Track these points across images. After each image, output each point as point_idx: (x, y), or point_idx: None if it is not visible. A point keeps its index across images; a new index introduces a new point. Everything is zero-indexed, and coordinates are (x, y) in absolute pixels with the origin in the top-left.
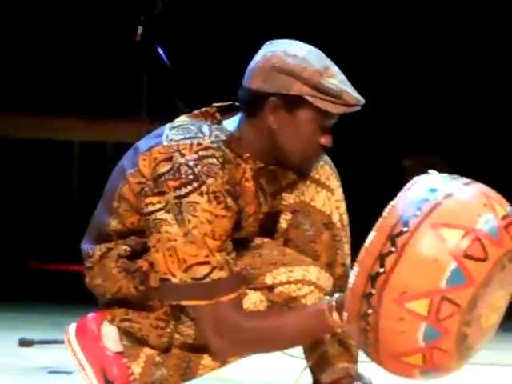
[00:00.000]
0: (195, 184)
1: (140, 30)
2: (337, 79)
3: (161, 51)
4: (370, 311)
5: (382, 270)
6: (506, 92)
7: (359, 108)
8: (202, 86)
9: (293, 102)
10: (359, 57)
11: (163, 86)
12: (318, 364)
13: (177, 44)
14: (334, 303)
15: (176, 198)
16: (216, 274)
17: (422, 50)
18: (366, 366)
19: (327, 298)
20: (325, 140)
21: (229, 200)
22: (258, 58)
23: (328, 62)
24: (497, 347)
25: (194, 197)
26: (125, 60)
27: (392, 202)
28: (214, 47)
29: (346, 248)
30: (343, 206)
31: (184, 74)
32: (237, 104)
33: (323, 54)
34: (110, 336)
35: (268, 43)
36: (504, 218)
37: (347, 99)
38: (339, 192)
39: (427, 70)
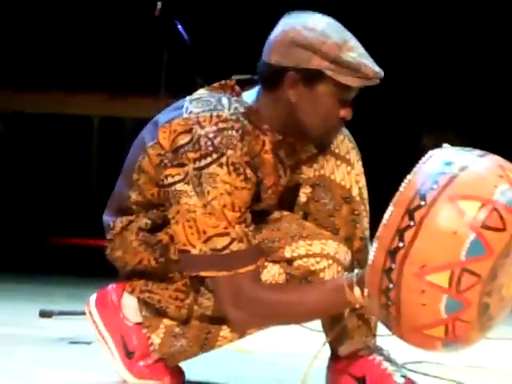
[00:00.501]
0: (215, 155)
1: (159, 5)
2: (356, 52)
3: (180, 27)
4: (391, 286)
5: (401, 244)
6: None
7: (378, 81)
8: (221, 62)
9: (312, 76)
10: (382, 33)
11: (182, 61)
12: (336, 337)
13: (196, 19)
14: (354, 279)
15: (195, 169)
16: (235, 246)
17: (446, 29)
18: (384, 339)
19: (347, 273)
20: (344, 113)
21: (248, 172)
22: (277, 31)
23: (347, 34)
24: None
25: (214, 168)
26: (144, 36)
27: (408, 177)
28: (233, 22)
29: (365, 222)
30: (363, 181)
31: (203, 50)
32: (256, 77)
33: (342, 27)
34: (130, 307)
35: (286, 16)
36: None
37: (366, 72)
38: (359, 166)
39: (450, 49)
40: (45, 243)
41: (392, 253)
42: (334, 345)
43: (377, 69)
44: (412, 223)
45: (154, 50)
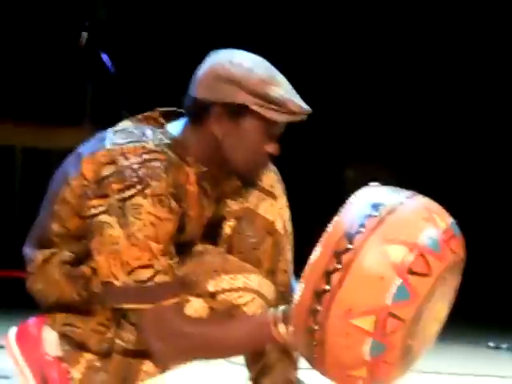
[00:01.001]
0: (139, 186)
1: (84, 35)
2: (282, 88)
3: (105, 58)
4: (316, 327)
5: (327, 287)
6: (447, 101)
7: (305, 116)
8: (146, 94)
9: (237, 111)
10: (304, 66)
11: (108, 92)
12: (259, 370)
13: (122, 51)
14: (279, 315)
15: (120, 200)
16: (159, 278)
17: (365, 58)
18: (305, 372)
19: (272, 309)
20: (271, 148)
21: (172, 203)
22: (204, 67)
23: (273, 71)
24: (439, 356)
25: (138, 199)
26: (69, 66)
27: (336, 218)
28: (160, 54)
29: (289, 255)
30: (287, 214)
31: (129, 81)
32: (180, 110)
33: (269, 64)
34: (51, 340)
35: (213, 52)
36: (445, 231)
37: (292, 107)
38: (283, 199)
39: (370, 79)
40: None
41: (318, 294)
42: (256, 378)
43: (303, 105)
44: (339, 266)
45: (79, 81)
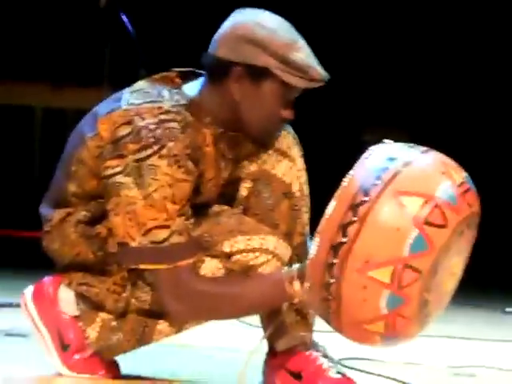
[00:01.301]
0: (156, 147)
1: None
2: (304, 53)
3: (125, 19)
4: (332, 280)
5: (344, 239)
6: (464, 68)
7: (323, 83)
8: (166, 55)
9: (258, 73)
10: (322, 30)
11: (127, 54)
12: (274, 332)
13: (142, 12)
14: (294, 273)
15: (136, 161)
16: (175, 239)
17: (382, 25)
18: (321, 335)
19: (286, 267)
20: (286, 113)
21: (189, 164)
22: (227, 26)
23: (296, 35)
24: (451, 319)
25: (155, 160)
26: (88, 27)
27: (351, 172)
28: (179, 15)
29: (306, 218)
30: (304, 176)
31: (148, 43)
32: (197, 71)
33: (292, 27)
34: (67, 300)
35: (237, 11)
36: (461, 184)
37: (313, 74)
38: (300, 162)
39: (387, 43)
40: None
41: (335, 248)
42: (271, 340)
43: (323, 72)
44: (355, 218)
45: (98, 42)
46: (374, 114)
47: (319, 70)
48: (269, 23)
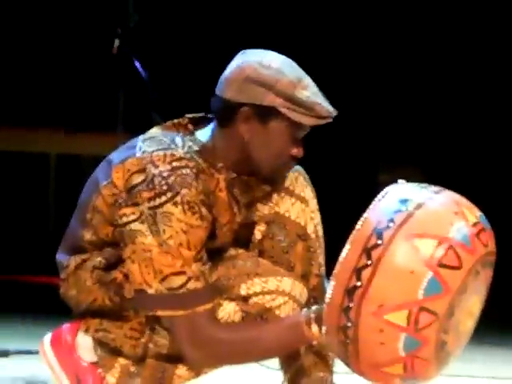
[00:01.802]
0: (169, 194)
1: (117, 42)
2: (310, 91)
3: (137, 64)
4: (349, 324)
5: (358, 283)
6: (480, 105)
7: (331, 120)
8: (179, 99)
9: (265, 113)
10: (336, 69)
11: (140, 99)
12: (294, 374)
13: (154, 57)
14: (311, 315)
15: (150, 208)
16: (192, 285)
17: (397, 62)
18: (341, 376)
19: (304, 310)
20: (296, 151)
21: (203, 210)
22: (232, 67)
23: (301, 73)
24: (470, 358)
25: (169, 207)
26: (101, 73)
27: (365, 214)
28: (191, 59)
29: (321, 259)
30: (318, 217)
31: (161, 87)
32: (209, 115)
33: (297, 65)
34: (85, 346)
35: (242, 52)
36: (475, 224)
37: (320, 111)
38: (314, 203)
39: (403, 84)
40: (1, 281)
41: (350, 291)
42: (291, 383)
43: (330, 108)
44: (369, 262)
45: (112, 87)
46: (388, 153)
47: (326, 107)
48: (274, 63)
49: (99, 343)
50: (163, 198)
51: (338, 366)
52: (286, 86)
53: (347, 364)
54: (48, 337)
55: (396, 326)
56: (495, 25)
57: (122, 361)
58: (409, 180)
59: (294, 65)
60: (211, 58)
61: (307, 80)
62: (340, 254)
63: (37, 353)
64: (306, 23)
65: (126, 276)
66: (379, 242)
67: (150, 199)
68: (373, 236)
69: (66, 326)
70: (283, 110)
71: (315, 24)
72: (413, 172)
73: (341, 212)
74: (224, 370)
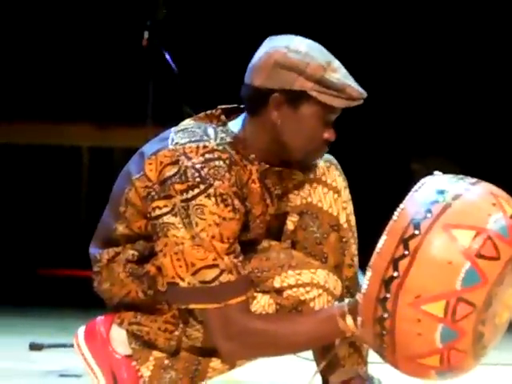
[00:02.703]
0: (202, 187)
1: (146, 35)
2: (339, 73)
3: (167, 56)
4: (385, 315)
5: (395, 274)
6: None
7: (362, 102)
8: (208, 91)
9: (296, 98)
10: (370, 61)
11: (170, 91)
12: (327, 365)
13: (183, 48)
14: (346, 308)
15: (183, 201)
16: (224, 277)
17: (432, 53)
18: (375, 366)
19: (337, 302)
20: (328, 134)
21: (236, 202)
22: (260, 54)
23: (330, 56)
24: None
25: (201, 199)
26: (131, 66)
27: (401, 205)
28: (221, 51)
29: (354, 249)
30: (350, 207)
31: (191, 79)
32: (242, 106)
33: (324, 49)
34: (119, 339)
35: (269, 39)
36: None
37: (350, 93)
38: (346, 193)
39: (437, 74)
40: (36, 275)
41: (387, 282)
42: (325, 374)
43: (360, 90)
44: (406, 252)
45: (142, 80)
46: (423, 143)
47: (356, 88)
48: (301, 47)
49: (133, 336)
50: (196, 191)
51: (373, 356)
52: (316, 70)
53: (382, 356)
54: (82, 330)
55: (433, 317)
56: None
57: (156, 354)
58: (441, 170)
59: (322, 48)
60: (240, 49)
61: (336, 63)
62: (373, 245)
63: (71, 346)
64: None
65: (159, 269)
66: (416, 232)
67: (182, 192)
68: (410, 226)
69: (99, 319)
70: (314, 94)
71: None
72: (444, 162)
73: (373, 202)
74: (258, 362)
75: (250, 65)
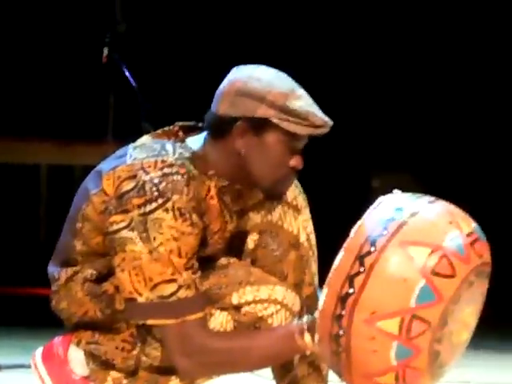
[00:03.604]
0: (160, 201)
1: (106, 51)
2: (303, 101)
3: (127, 72)
4: (341, 332)
5: (351, 290)
6: (472, 107)
7: (327, 130)
8: (169, 107)
9: (260, 125)
10: (327, 76)
11: (129, 108)
12: None
13: (143, 65)
14: (304, 325)
15: (141, 215)
16: (183, 293)
17: (390, 66)
18: None
19: (297, 319)
20: (294, 162)
21: (194, 217)
22: (225, 83)
23: (293, 84)
24: (466, 364)
25: (160, 213)
26: (91, 82)
27: (359, 222)
28: (181, 67)
29: (314, 267)
30: (310, 226)
31: (151, 95)
32: (200, 124)
33: (289, 77)
34: (77, 359)
35: (234, 68)
36: (469, 234)
37: (314, 120)
38: (306, 211)
39: (394, 89)
40: None
41: (342, 299)
42: None
43: (325, 118)
44: (362, 269)
45: (101, 97)
46: (383, 160)
47: (320, 116)
48: (264, 75)
49: (91, 356)
50: (154, 205)
51: (333, 376)
52: (278, 97)
53: (339, 374)
54: (40, 350)
55: (388, 334)
56: (485, 34)
57: (114, 374)
58: (401, 187)
59: (286, 77)
60: (201, 66)
61: (300, 91)
62: (333, 262)
63: (29, 367)
64: (296, 36)
65: (117, 288)
66: (372, 249)
67: (140, 206)
68: (366, 243)
69: (57, 339)
70: (276, 121)
71: (307, 36)
72: (404, 178)
73: (333, 219)
74: (217, 381)
75: (216, 94)
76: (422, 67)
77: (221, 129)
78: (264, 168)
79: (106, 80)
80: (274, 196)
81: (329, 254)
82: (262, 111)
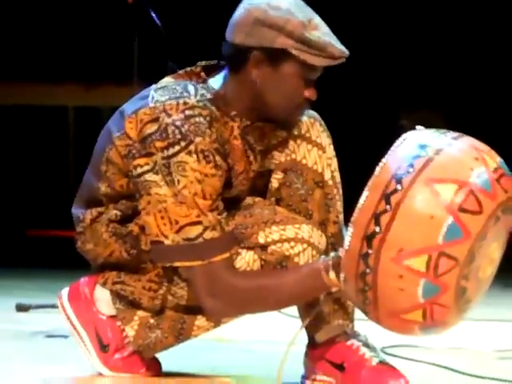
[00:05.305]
0: (183, 143)
1: None
2: (321, 31)
3: (153, 13)
4: (367, 271)
5: (377, 229)
6: (501, 49)
7: (344, 60)
8: (194, 47)
9: (276, 56)
10: (356, 12)
11: (155, 48)
12: (313, 323)
13: (169, 5)
14: (330, 262)
15: (164, 158)
16: (208, 234)
17: (419, 5)
18: (361, 324)
19: (323, 257)
20: (309, 93)
21: (218, 158)
22: (240, 11)
23: (311, 13)
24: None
25: (182, 156)
26: (117, 24)
27: (383, 160)
28: (207, 7)
29: (339, 206)
30: (335, 164)
31: (177, 36)
32: (223, 62)
33: (306, 5)
34: (103, 299)
35: None
36: (495, 170)
37: (332, 51)
38: (330, 149)
39: (423, 26)
40: (24, 236)
41: (369, 237)
42: (310, 331)
43: (342, 48)
44: (388, 207)
45: (127, 38)
46: (409, 97)
47: (338, 47)
48: (282, 4)
49: (117, 296)
50: (177, 148)
51: (359, 313)
52: (296, 27)
53: (365, 312)
54: (66, 291)
55: (415, 272)
56: None
57: (140, 313)
58: (429, 124)
59: (304, 5)
60: (226, 4)
61: (317, 20)
62: (357, 201)
63: (57, 307)
64: None
65: (142, 228)
66: (398, 187)
67: (163, 149)
68: (392, 181)
69: (83, 280)
70: (294, 52)
71: None
72: (433, 116)
73: (361, 158)
74: (242, 320)
75: (231, 21)
76: (450, 5)
77: (237, 59)
78: (279, 99)
79: (131, 21)
80: (287, 126)
81: (354, 193)
82: (280, 41)
